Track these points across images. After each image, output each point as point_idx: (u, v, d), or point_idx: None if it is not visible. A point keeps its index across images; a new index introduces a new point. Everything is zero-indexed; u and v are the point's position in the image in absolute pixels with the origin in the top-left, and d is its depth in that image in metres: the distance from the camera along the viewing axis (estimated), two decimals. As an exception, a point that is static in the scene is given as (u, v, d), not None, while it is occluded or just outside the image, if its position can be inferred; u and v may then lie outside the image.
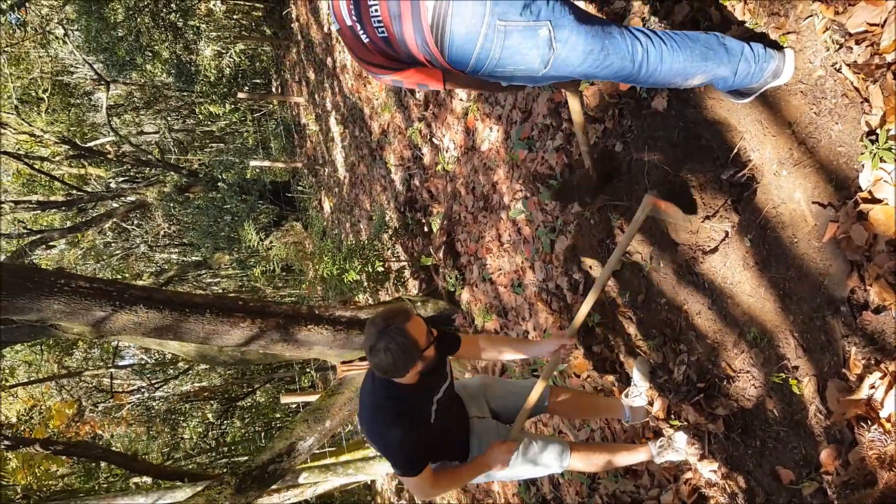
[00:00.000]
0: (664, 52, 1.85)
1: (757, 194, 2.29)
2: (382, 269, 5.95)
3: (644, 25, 2.68)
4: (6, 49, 13.03)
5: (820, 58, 1.92)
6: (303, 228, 12.04)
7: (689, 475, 2.76)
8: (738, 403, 2.51)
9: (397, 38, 1.72)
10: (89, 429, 12.61)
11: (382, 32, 1.72)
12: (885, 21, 1.74)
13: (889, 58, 1.75)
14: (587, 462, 2.66)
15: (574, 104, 2.50)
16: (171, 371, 14.88)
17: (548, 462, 2.54)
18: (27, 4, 11.52)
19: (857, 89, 1.81)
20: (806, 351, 2.19)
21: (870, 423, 1.92)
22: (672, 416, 2.81)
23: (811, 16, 1.94)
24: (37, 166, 14.03)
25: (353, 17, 1.76)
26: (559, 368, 3.57)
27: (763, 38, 2.10)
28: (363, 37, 1.77)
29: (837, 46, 1.85)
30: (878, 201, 1.77)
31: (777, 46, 2.05)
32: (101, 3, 10.70)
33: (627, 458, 2.75)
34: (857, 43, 1.78)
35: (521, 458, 2.48)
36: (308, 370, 13.71)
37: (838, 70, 1.86)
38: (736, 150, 2.34)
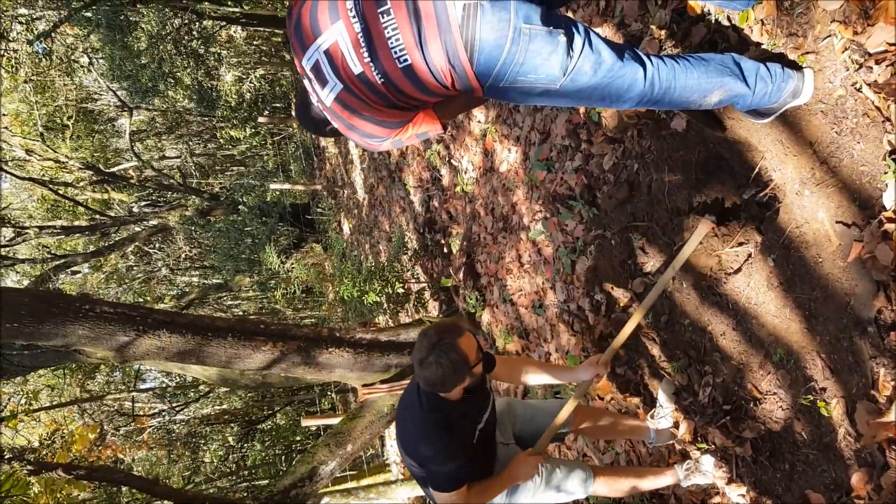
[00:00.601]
0: (677, 69, 1.86)
1: (779, 214, 2.27)
2: (402, 291, 5.98)
3: (661, 49, 2.70)
4: (32, 78, 13.35)
5: (840, 77, 1.92)
6: (322, 250, 12.12)
7: (716, 500, 2.71)
8: (766, 426, 2.47)
9: (421, 63, 1.72)
10: (111, 453, 12.68)
11: (405, 61, 1.72)
12: (905, 41, 1.74)
13: (910, 77, 1.75)
14: (612, 487, 2.62)
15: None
16: (192, 394, 14.96)
17: (572, 488, 2.51)
18: (53, 35, 11.82)
19: (878, 108, 1.81)
20: (833, 372, 2.16)
21: (901, 446, 1.89)
22: (698, 439, 2.78)
23: (830, 36, 1.94)
24: (61, 192, 14.30)
25: (366, 58, 1.74)
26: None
27: (781, 58, 2.10)
28: (376, 77, 1.76)
29: (857, 66, 1.85)
30: (904, 221, 1.76)
31: (796, 66, 2.05)
32: (124, 32, 10.95)
33: (653, 482, 2.72)
34: (877, 62, 1.78)
35: (544, 485, 2.45)
36: (328, 392, 13.73)
37: (859, 89, 1.85)
38: (757, 170, 2.33)
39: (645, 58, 1.84)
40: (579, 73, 1.76)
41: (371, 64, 1.75)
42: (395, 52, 1.72)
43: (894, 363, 1.91)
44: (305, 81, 1.94)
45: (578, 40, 1.73)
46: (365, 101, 1.83)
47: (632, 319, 2.42)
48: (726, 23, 2.34)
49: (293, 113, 12.71)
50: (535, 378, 2.57)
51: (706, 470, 2.66)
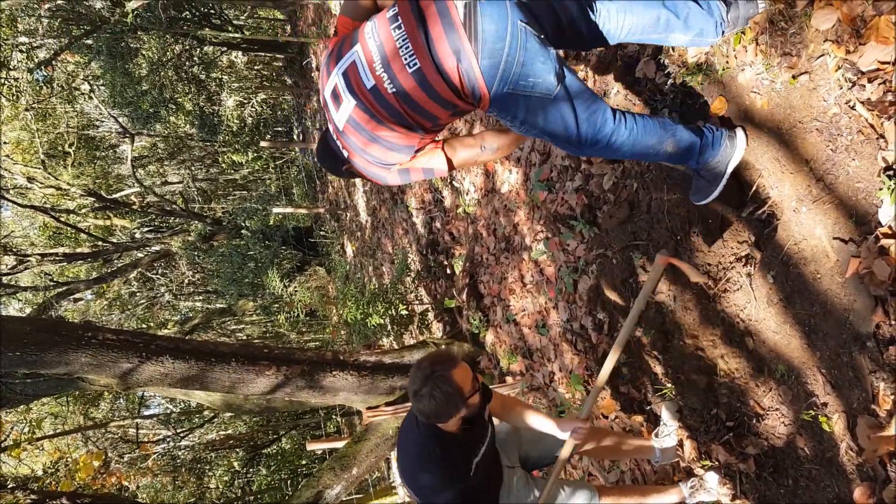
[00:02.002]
0: (637, 117, 2.05)
1: (778, 231, 2.30)
2: (406, 313, 5.99)
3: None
4: (33, 106, 13.49)
5: (834, 96, 1.95)
6: (326, 273, 12.15)
7: (721, 513, 2.71)
8: (769, 442, 2.48)
9: (430, 65, 1.79)
10: (115, 480, 12.60)
11: (414, 65, 1.80)
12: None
13: (902, 95, 1.78)
14: (624, 496, 2.62)
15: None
16: (197, 419, 14.90)
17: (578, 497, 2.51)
18: (53, 62, 11.97)
19: (871, 126, 1.84)
20: (834, 387, 2.17)
21: (904, 459, 1.90)
22: (703, 456, 2.78)
23: (823, 55, 1.99)
24: (63, 219, 14.38)
25: (378, 70, 1.83)
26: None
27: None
28: (388, 88, 1.84)
29: (850, 84, 1.88)
30: (900, 236, 1.78)
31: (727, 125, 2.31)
32: (125, 59, 11.09)
33: (658, 499, 2.72)
34: (870, 81, 1.82)
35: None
36: (333, 416, 13.67)
37: (852, 107, 1.89)
38: (755, 188, 2.36)
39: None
40: (568, 89, 1.88)
41: (383, 76, 1.83)
42: (406, 59, 1.79)
43: (894, 377, 1.92)
44: (327, 113, 2.02)
45: (562, 64, 1.87)
46: (376, 118, 1.89)
47: (608, 361, 2.41)
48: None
49: (312, 147, 12.82)
50: (523, 421, 2.54)
51: (711, 487, 2.66)
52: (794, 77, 2.06)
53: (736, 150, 2.23)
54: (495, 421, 2.53)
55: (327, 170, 2.24)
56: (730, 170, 2.25)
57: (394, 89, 1.83)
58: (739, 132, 2.26)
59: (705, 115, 2.50)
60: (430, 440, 2.17)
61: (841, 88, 1.91)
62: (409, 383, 2.07)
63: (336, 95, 1.93)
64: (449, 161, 2.07)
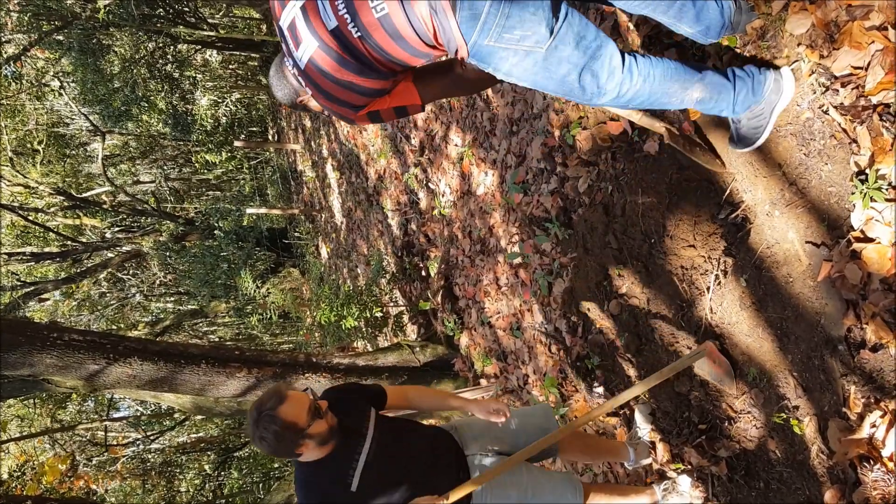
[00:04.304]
0: (654, 60, 1.83)
1: (751, 235, 2.31)
2: (381, 315, 5.94)
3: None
4: (1, 102, 13.19)
5: (807, 100, 1.97)
6: (300, 275, 12.05)
7: (694, 518, 2.71)
8: (741, 444, 2.49)
9: (399, 13, 1.62)
10: (83, 483, 12.35)
11: (382, 10, 1.62)
12: (869, 64, 1.79)
13: (874, 100, 1.80)
14: (598, 496, 2.59)
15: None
16: (167, 422, 14.66)
17: (562, 491, 2.45)
18: (23, 58, 11.73)
19: (844, 130, 1.85)
20: (806, 390, 2.18)
21: (872, 462, 1.91)
22: (675, 459, 2.78)
23: (797, 60, 2.00)
24: (31, 217, 14.07)
25: (341, 10, 1.64)
26: (562, 411, 3.54)
27: (754, 61, 2.12)
28: (352, 31, 1.65)
29: (824, 89, 1.89)
30: (871, 240, 1.79)
31: (772, 66, 2.04)
32: (97, 55, 10.89)
33: (633, 500, 2.71)
34: (843, 85, 1.83)
35: (533, 497, 2.39)
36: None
37: (825, 112, 1.90)
38: (728, 192, 2.37)
39: (623, 52, 1.79)
40: (563, 41, 1.66)
41: (346, 17, 1.64)
42: (372, 2, 1.61)
43: (864, 381, 1.94)
44: (282, 44, 1.83)
45: (562, 8, 1.65)
46: (340, 62, 1.71)
47: (622, 396, 2.37)
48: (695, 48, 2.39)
49: (288, 148, 12.68)
50: (429, 402, 2.54)
51: (683, 490, 2.66)
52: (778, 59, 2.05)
53: (783, 94, 1.99)
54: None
55: (283, 102, 2.03)
56: (775, 118, 2.03)
57: (359, 33, 1.65)
58: (786, 72, 2.00)
59: (743, 57, 2.21)
60: (301, 473, 2.13)
61: (814, 93, 1.92)
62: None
63: (294, 31, 1.73)
64: (422, 102, 1.91)
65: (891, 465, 1.85)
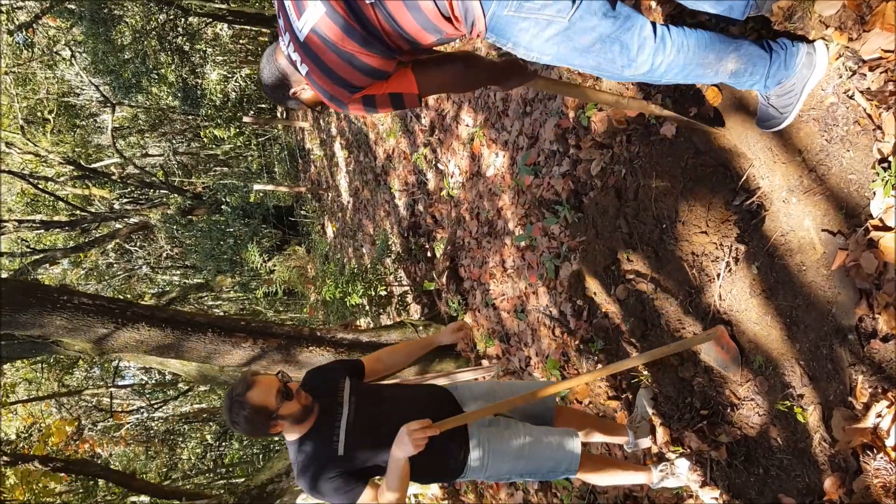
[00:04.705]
0: (687, 31, 1.76)
1: (765, 222, 2.29)
2: (385, 294, 5.96)
3: None
4: (13, 69, 13.18)
5: (832, 85, 1.94)
6: (305, 252, 12.06)
7: (690, 502, 2.72)
8: (742, 431, 2.49)
9: None
10: (88, 447, 12.53)
11: None
12: (900, 47, 1.76)
13: (903, 84, 1.77)
14: (594, 471, 2.59)
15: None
16: (171, 392, 14.80)
17: (563, 443, 2.42)
18: (34, 25, 11.69)
19: (869, 116, 1.83)
20: (812, 379, 2.18)
21: (875, 451, 1.91)
22: (675, 443, 2.79)
23: (826, 43, 1.96)
24: (41, 186, 14.12)
25: None
26: (562, 394, 3.55)
27: (787, 35, 2.03)
28: None
29: (850, 73, 1.86)
30: (889, 229, 1.78)
31: (805, 40, 1.96)
32: (108, 25, 10.85)
33: (628, 476, 2.72)
34: (871, 69, 1.80)
35: (532, 446, 2.37)
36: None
37: (851, 97, 1.87)
38: (745, 178, 2.35)
39: (652, 22, 1.72)
40: (588, 9, 1.59)
41: None
42: None
43: (873, 370, 1.93)
44: (280, 20, 1.75)
45: None
46: (346, 30, 1.63)
47: (620, 364, 2.36)
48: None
49: (297, 125, 12.61)
50: (402, 356, 2.58)
51: (680, 473, 2.67)
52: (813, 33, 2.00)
53: (815, 69, 1.89)
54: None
55: (270, 94, 1.98)
56: (805, 95, 1.93)
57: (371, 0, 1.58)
58: (820, 46, 1.90)
59: (777, 31, 2.10)
60: (290, 455, 2.25)
61: (840, 77, 1.89)
62: None
63: None
64: (419, 95, 1.84)
65: (894, 454, 1.85)
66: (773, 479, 2.35)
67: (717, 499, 2.57)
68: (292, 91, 1.92)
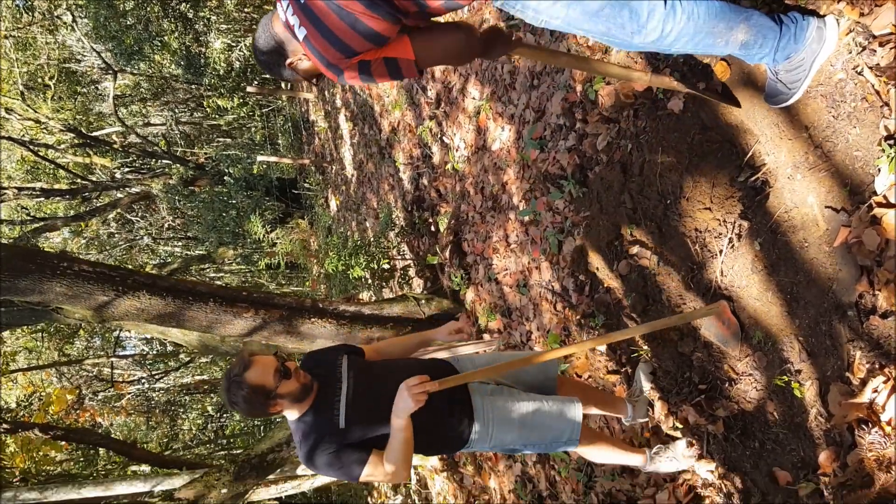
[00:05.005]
0: (699, 2, 1.74)
1: (769, 198, 2.30)
2: (388, 267, 5.98)
3: None
4: (12, 33, 13.06)
5: (842, 61, 1.93)
6: (308, 226, 12.06)
7: (686, 475, 2.77)
8: (739, 406, 2.52)
9: None
10: (89, 416, 12.65)
11: None
12: (913, 22, 1.75)
13: (913, 60, 1.76)
14: (593, 446, 2.60)
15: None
16: (172, 363, 14.91)
17: (565, 410, 2.44)
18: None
19: (877, 92, 1.82)
20: (810, 355, 2.20)
21: (870, 426, 1.94)
22: (672, 416, 2.82)
23: (837, 18, 1.94)
24: (41, 153, 14.07)
25: None
26: (563, 367, 3.58)
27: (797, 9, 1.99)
28: None
29: (860, 49, 1.86)
30: (893, 205, 1.79)
31: (815, 14, 1.94)
32: (109, -11, 10.74)
33: (624, 456, 2.75)
34: (882, 45, 1.79)
35: (535, 415, 2.38)
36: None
37: (860, 73, 1.87)
38: (751, 154, 2.35)
39: None
40: None
41: None
42: None
43: (871, 346, 1.95)
44: None
45: None
46: None
47: (619, 333, 2.36)
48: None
49: (301, 97, 12.50)
50: (400, 349, 2.57)
51: (676, 456, 2.70)
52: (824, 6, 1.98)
53: (825, 43, 1.87)
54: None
55: (264, 64, 1.92)
56: (815, 68, 1.91)
57: None
58: (830, 21, 1.88)
59: (788, 4, 2.08)
60: (293, 433, 2.24)
61: (850, 53, 1.89)
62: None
63: None
64: (418, 65, 1.80)
65: (888, 429, 1.88)
66: (768, 452, 2.38)
67: (712, 472, 2.61)
68: (288, 62, 1.87)
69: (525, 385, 2.57)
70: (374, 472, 2.13)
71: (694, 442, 2.70)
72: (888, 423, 1.88)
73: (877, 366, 1.93)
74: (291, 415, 2.20)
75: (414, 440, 2.14)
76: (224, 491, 4.57)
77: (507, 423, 2.35)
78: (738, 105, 2.32)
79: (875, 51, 1.81)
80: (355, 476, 2.15)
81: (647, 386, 2.94)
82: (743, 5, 2.07)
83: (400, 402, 2.05)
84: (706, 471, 2.63)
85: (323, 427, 2.15)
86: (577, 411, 2.42)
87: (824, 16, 1.92)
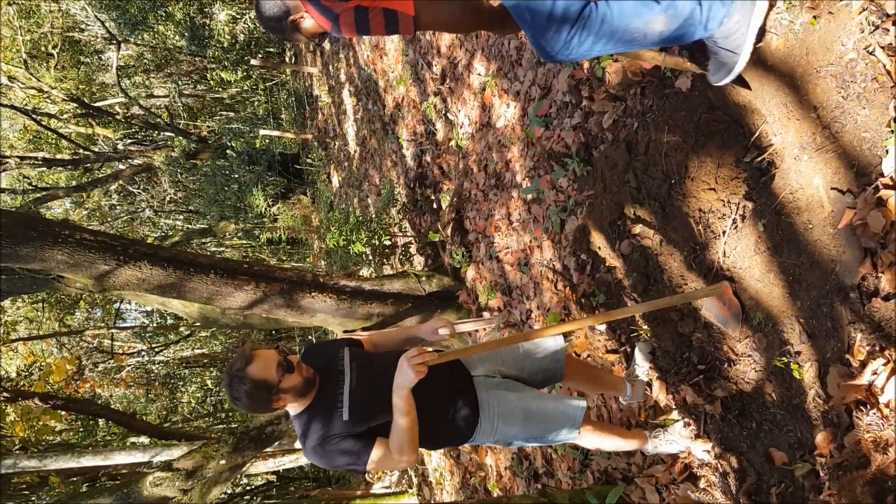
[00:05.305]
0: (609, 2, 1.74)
1: (775, 179, 2.28)
2: (389, 244, 5.97)
3: None
4: (16, 1, 12.93)
5: (853, 40, 1.90)
6: (310, 202, 12.03)
7: (682, 455, 2.78)
8: (738, 386, 2.52)
9: None
10: (89, 387, 12.72)
11: None
12: (926, 2, 1.73)
13: (926, 41, 1.74)
14: (598, 436, 2.62)
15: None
16: (172, 336, 14.96)
17: (569, 403, 2.46)
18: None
19: (888, 73, 1.80)
20: (811, 336, 2.20)
21: (868, 407, 1.94)
22: (670, 395, 2.83)
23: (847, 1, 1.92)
24: (44, 123, 14.00)
25: None
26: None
27: None
28: None
29: (873, 28, 1.83)
30: (899, 187, 1.77)
31: None
32: (113, -43, 10.62)
33: (626, 443, 2.76)
34: (895, 24, 1.76)
35: (539, 409, 2.40)
36: (310, 337, 13.77)
37: (871, 52, 1.84)
38: (758, 134, 2.33)
39: None
40: None
41: None
42: None
43: (872, 329, 1.95)
44: None
45: None
46: None
47: (619, 312, 2.35)
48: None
49: (305, 71, 12.40)
50: (389, 342, 2.52)
51: (675, 440, 2.71)
52: (814, 18, 1.99)
53: (756, 4, 1.86)
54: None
55: (266, 23, 1.92)
56: (752, 33, 1.88)
57: None
58: None
59: None
60: (296, 429, 2.20)
61: (862, 32, 1.86)
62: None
63: None
64: (416, 9, 1.77)
65: (886, 411, 1.88)
66: (765, 433, 2.39)
67: (709, 451, 2.63)
68: (291, 18, 1.85)
69: (532, 371, 2.57)
70: (382, 459, 2.10)
71: (691, 422, 2.71)
72: (886, 405, 1.88)
73: (877, 348, 1.92)
74: (294, 409, 2.17)
75: (419, 432, 2.10)
76: (222, 462, 4.61)
77: (512, 416, 2.35)
78: (748, 87, 2.30)
79: (888, 30, 1.78)
80: (363, 466, 2.11)
81: (645, 366, 2.95)
82: None
83: (400, 376, 2.01)
84: (702, 451, 2.65)
85: (327, 421, 2.12)
86: (579, 403, 2.45)
87: None
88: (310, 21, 1.85)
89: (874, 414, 1.90)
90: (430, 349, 2.15)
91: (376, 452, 2.10)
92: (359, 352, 2.36)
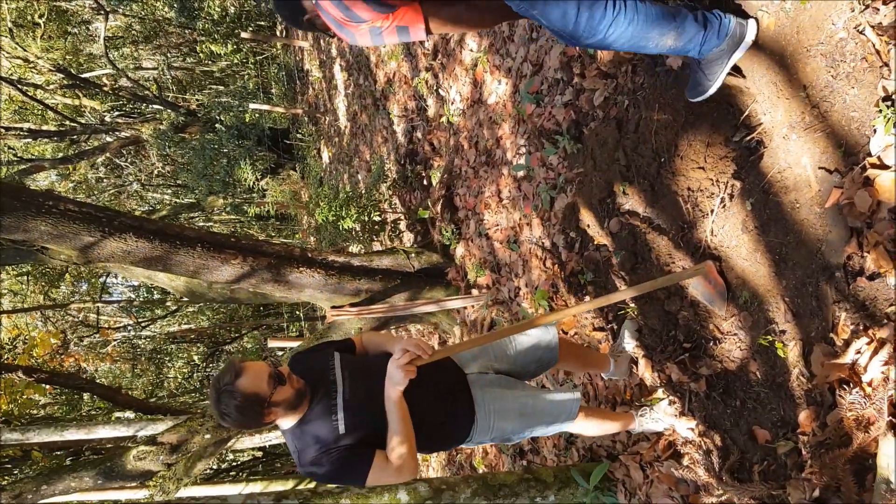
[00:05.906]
0: (638, 6, 1.91)
1: (763, 158, 2.28)
2: (378, 220, 5.94)
3: None
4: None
5: (843, 19, 1.89)
6: (300, 177, 11.95)
7: (666, 432, 2.81)
8: (723, 364, 2.54)
9: None
10: (73, 361, 12.66)
11: None
12: (916, -19, 1.71)
13: (918, 20, 1.72)
14: (590, 423, 2.63)
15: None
16: (159, 311, 14.90)
17: (564, 395, 2.47)
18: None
19: (878, 52, 1.79)
20: (795, 316, 2.21)
21: (851, 386, 1.95)
22: (656, 372, 2.85)
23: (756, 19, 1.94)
24: (30, 93, 13.79)
25: None
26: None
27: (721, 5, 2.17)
28: None
29: (863, 7, 1.82)
30: (887, 167, 1.77)
31: (740, 14, 2.12)
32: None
33: (613, 423, 2.78)
34: (885, 3, 1.75)
35: (533, 403, 2.41)
36: (296, 321, 13.77)
37: (861, 32, 1.83)
38: (747, 113, 2.32)
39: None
40: None
41: None
42: None
43: (856, 308, 1.96)
44: None
45: None
46: None
47: (606, 298, 2.35)
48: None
49: (296, 45, 12.25)
50: (374, 343, 2.42)
51: (660, 418, 2.74)
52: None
53: (742, 42, 2.09)
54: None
55: (285, 18, 1.99)
56: (730, 64, 2.12)
57: None
58: (751, 24, 2.10)
59: (713, 2, 2.28)
60: (289, 445, 2.12)
61: (853, 11, 1.85)
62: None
63: None
64: (427, 27, 1.88)
65: (869, 389, 1.90)
66: (749, 411, 2.41)
67: (693, 429, 2.65)
68: (306, 17, 1.95)
69: (525, 363, 2.56)
70: (381, 472, 2.00)
71: (675, 400, 2.73)
72: (869, 384, 1.90)
73: (861, 327, 1.94)
74: (286, 423, 2.07)
75: (416, 437, 2.04)
76: (207, 437, 4.60)
77: (507, 412, 2.34)
78: (742, 76, 2.29)
79: (878, 9, 1.77)
80: (362, 481, 2.02)
81: (632, 343, 2.96)
82: (673, 4, 2.17)
83: (389, 380, 1.96)
84: (686, 428, 2.67)
85: (322, 434, 2.04)
86: (574, 395, 2.46)
87: (748, 18, 2.12)
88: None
89: (857, 393, 1.91)
90: (427, 351, 2.10)
91: (375, 467, 2.00)
92: (350, 358, 2.28)
